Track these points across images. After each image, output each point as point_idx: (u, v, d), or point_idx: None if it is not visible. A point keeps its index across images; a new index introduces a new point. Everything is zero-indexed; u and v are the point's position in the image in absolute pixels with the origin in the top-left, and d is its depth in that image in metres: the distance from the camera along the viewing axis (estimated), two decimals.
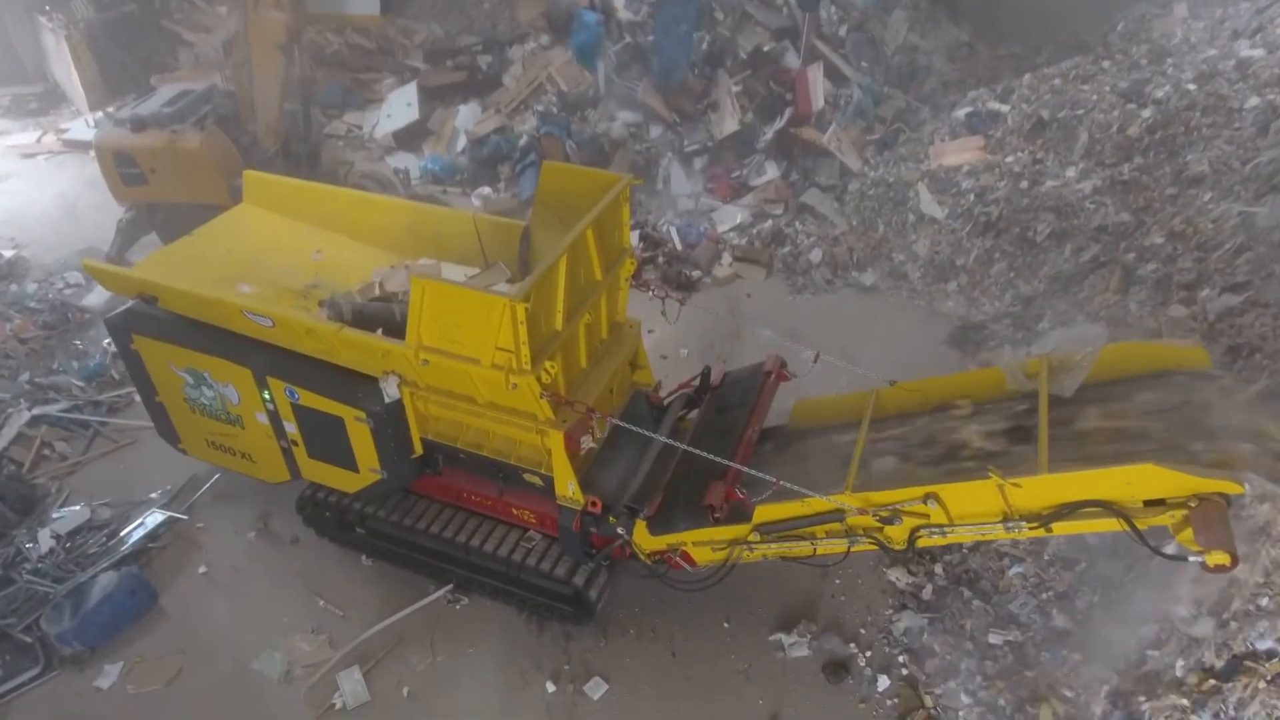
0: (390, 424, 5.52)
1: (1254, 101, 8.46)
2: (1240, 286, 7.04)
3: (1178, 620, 5.02)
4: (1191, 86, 8.89)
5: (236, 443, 6.27)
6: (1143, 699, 4.98)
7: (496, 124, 12.00)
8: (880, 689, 5.73)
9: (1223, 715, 4.67)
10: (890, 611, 6.20)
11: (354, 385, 5.51)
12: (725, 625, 6.13)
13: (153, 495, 6.99)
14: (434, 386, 5.40)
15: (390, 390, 5.40)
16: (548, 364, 4.95)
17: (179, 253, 6.42)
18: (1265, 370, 6.28)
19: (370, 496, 6.08)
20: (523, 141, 11.45)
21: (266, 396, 5.78)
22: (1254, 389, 6.09)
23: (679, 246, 10.13)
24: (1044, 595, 5.83)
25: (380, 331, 5.45)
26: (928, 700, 5.61)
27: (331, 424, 5.66)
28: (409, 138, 12.46)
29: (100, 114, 12.72)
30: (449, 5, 15.28)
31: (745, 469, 5.04)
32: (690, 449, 5.13)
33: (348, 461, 5.84)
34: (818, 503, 4.85)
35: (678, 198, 10.96)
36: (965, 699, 5.51)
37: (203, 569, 6.50)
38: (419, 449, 5.75)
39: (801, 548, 5.12)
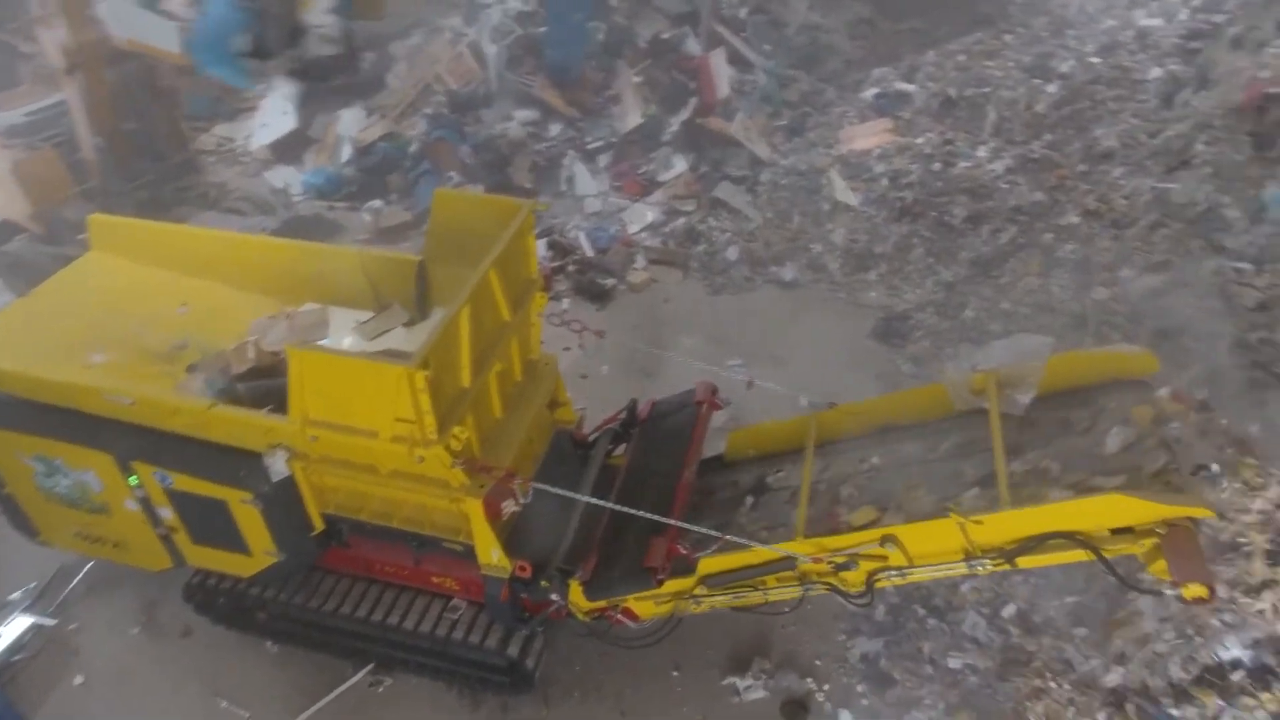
0: (282, 503, 4.87)
1: (1156, 72, 8.46)
2: (1160, 266, 6.99)
3: (1140, 634, 4.86)
4: (1095, 59, 8.85)
5: (106, 531, 5.49)
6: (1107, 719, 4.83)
7: (384, 130, 11.17)
8: None
9: None
10: (844, 637, 5.91)
11: (235, 464, 4.82)
12: (675, 674, 5.73)
13: (13, 597, 6.12)
14: (329, 458, 4.78)
15: (277, 468, 4.74)
16: (456, 429, 4.39)
17: (14, 318, 5.54)
18: (1195, 354, 6.20)
19: (269, 579, 5.41)
20: (413, 148, 10.67)
21: (134, 483, 5.04)
22: (1186, 377, 6.04)
23: (590, 252, 9.59)
24: (1001, 612, 5.62)
25: (271, 408, 4.78)
26: None
27: (215, 507, 4.96)
28: (288, 149, 11.50)
29: None
30: None
31: (687, 526, 4.61)
32: (626, 509, 4.67)
33: (238, 545, 5.15)
34: (767, 552, 4.49)
35: (584, 199, 10.40)
36: None
37: (80, 679, 5.70)
38: (319, 525, 5.12)
39: (752, 597, 4.77)
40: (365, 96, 11.80)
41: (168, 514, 5.12)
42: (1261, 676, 4.39)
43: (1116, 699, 4.87)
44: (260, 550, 5.11)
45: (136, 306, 5.71)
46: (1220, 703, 4.48)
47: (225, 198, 10.13)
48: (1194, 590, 3.68)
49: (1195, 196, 7.21)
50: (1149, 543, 3.82)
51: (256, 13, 6.74)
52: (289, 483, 4.82)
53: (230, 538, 5.07)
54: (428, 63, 11.62)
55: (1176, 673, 4.68)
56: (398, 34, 12.66)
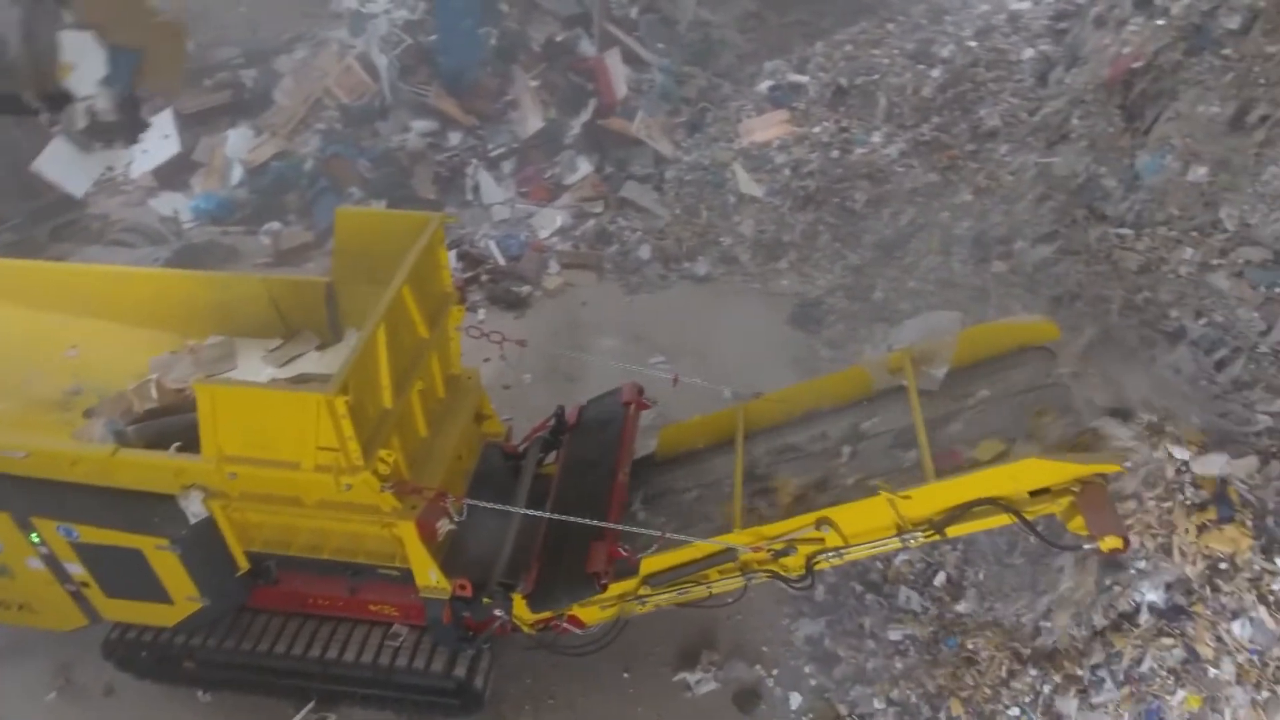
0: (202, 546, 4.65)
1: (1029, 53, 8.91)
2: (1049, 236, 7.35)
3: (1063, 589, 5.11)
4: (973, 43, 9.25)
5: (9, 594, 5.13)
6: (1040, 673, 5.06)
7: (275, 149, 10.76)
8: (794, 707, 5.56)
9: (1119, 674, 4.80)
10: (788, 621, 6.03)
11: (147, 509, 4.58)
12: (626, 676, 5.73)
13: None
14: (250, 494, 4.59)
15: (194, 509, 4.52)
16: (383, 453, 4.28)
17: None
18: (1088, 317, 6.55)
19: (195, 626, 5.16)
20: (308, 166, 10.32)
21: (36, 540, 4.72)
22: (1082, 340, 6.38)
23: (501, 261, 9.48)
24: (933, 581, 5.82)
25: (176, 446, 4.55)
26: (842, 709, 5.48)
27: (128, 557, 4.70)
28: (173, 174, 10.95)
29: None
30: (194, 13, 13.60)
31: (626, 528, 4.62)
32: (561, 517, 4.64)
33: (158, 594, 4.89)
34: (707, 546, 4.55)
35: (491, 207, 10.26)
36: (878, 703, 5.41)
37: None
38: (244, 564, 4.91)
39: (696, 591, 4.82)
40: (252, 115, 11.37)
41: (77, 569, 4.83)
42: (1175, 617, 4.67)
43: (1046, 654, 5.11)
44: (182, 597, 4.87)
45: (21, 353, 5.37)
46: (1139, 646, 4.76)
47: (110, 230, 9.58)
48: (1110, 542, 3.92)
49: (1075, 168, 7.61)
50: (1065, 501, 4.04)
51: None
52: (208, 524, 4.61)
53: (149, 587, 4.81)
54: (315, 77, 11.23)
55: (1099, 621, 4.94)
56: (280, 48, 12.26)
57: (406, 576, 4.82)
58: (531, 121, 10.55)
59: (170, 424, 4.83)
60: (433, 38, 10.76)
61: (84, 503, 4.60)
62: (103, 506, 4.59)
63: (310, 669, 5.19)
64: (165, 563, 4.69)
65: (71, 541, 4.69)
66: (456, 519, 4.71)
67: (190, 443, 4.58)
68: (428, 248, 4.90)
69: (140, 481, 4.55)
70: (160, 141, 11.05)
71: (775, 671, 5.75)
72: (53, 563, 4.83)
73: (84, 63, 5.27)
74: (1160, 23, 7.52)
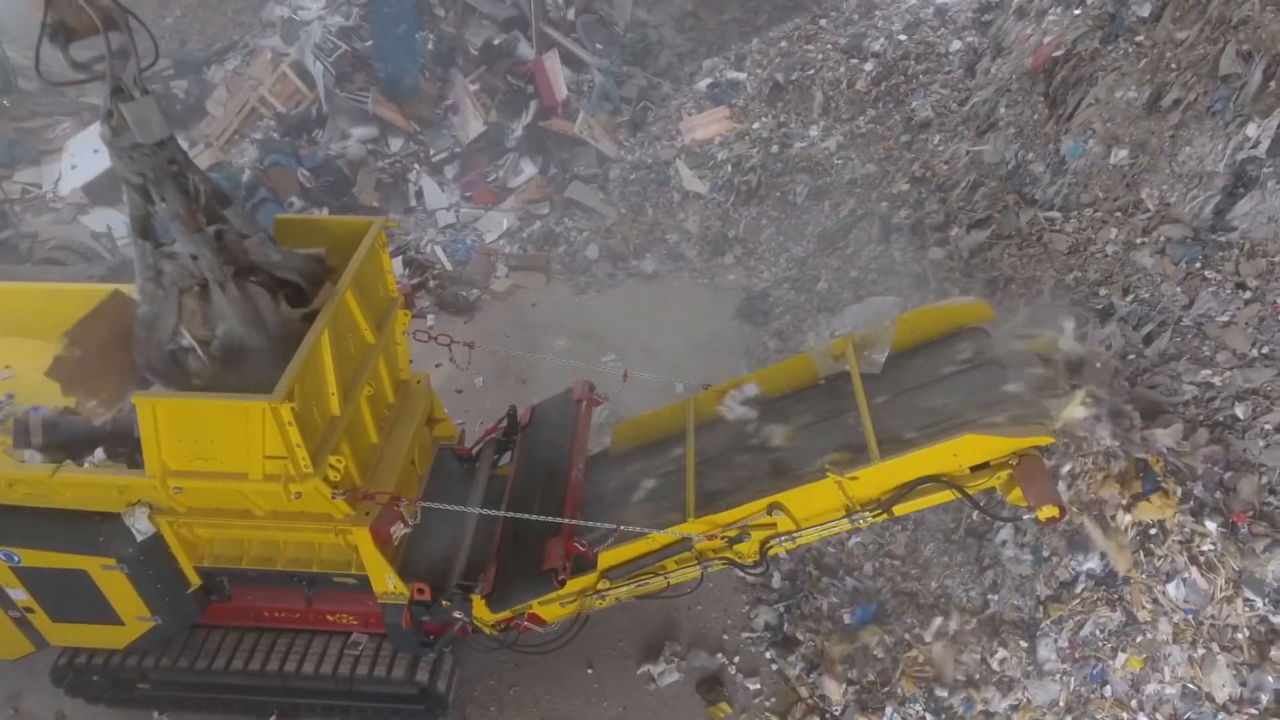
0: (151, 564, 4.57)
1: (956, 45, 9.16)
2: (983, 222, 7.56)
3: (1006, 561, 5.29)
4: (902, 37, 9.49)
5: None
6: (988, 644, 5.22)
7: (210, 160, 10.55)
8: (755, 692, 5.65)
9: (1061, 640, 4.98)
10: (747, 609, 6.13)
11: (92, 529, 4.48)
12: (590, 671, 5.77)
13: None
14: (198, 508, 4.52)
15: (141, 526, 4.44)
16: (332, 459, 4.25)
17: None
18: (1022, 298, 6.77)
19: (147, 646, 5.06)
20: (246, 177, 10.13)
21: None
22: (1018, 320, 6.59)
23: (448, 266, 9.45)
24: (886, 561, 5.96)
25: (100, 452, 4.47)
26: (803, 691, 5.58)
27: (74, 580, 4.59)
28: (105, 189, 10.63)
29: None
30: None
31: (581, 523, 4.66)
32: (517, 515, 4.66)
33: (108, 616, 4.80)
34: (663, 537, 4.61)
35: (435, 212, 10.21)
36: (836, 684, 5.52)
37: None
38: (195, 580, 4.83)
39: (655, 583, 4.87)
40: (185, 127, 11.12)
41: (20, 595, 4.71)
42: (1114, 584, 4.86)
43: (994, 624, 5.28)
44: (133, 617, 4.79)
45: None
46: (1080, 613, 4.94)
47: (40, 249, 9.28)
48: (1047, 511, 4.07)
49: (1005, 156, 7.85)
50: (1004, 474, 4.19)
51: None
52: (156, 541, 4.54)
53: (97, 609, 4.72)
54: (249, 86, 11.05)
55: (1042, 590, 5.12)
56: (212, 58, 12.03)
57: (363, 584, 4.80)
58: (473, 125, 10.52)
59: (71, 425, 4.70)
60: (368, 43, 10.66)
61: (24, 526, 4.48)
62: (45, 529, 4.48)
63: (270, 683, 5.12)
64: (113, 583, 4.60)
65: (13, 566, 4.57)
66: (411, 523, 4.69)
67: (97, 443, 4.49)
68: (370, 253, 4.87)
69: (83, 501, 4.45)
70: (90, 157, 10.77)
71: (737, 659, 5.84)
72: None
73: None
74: (1077, 12, 7.81)
